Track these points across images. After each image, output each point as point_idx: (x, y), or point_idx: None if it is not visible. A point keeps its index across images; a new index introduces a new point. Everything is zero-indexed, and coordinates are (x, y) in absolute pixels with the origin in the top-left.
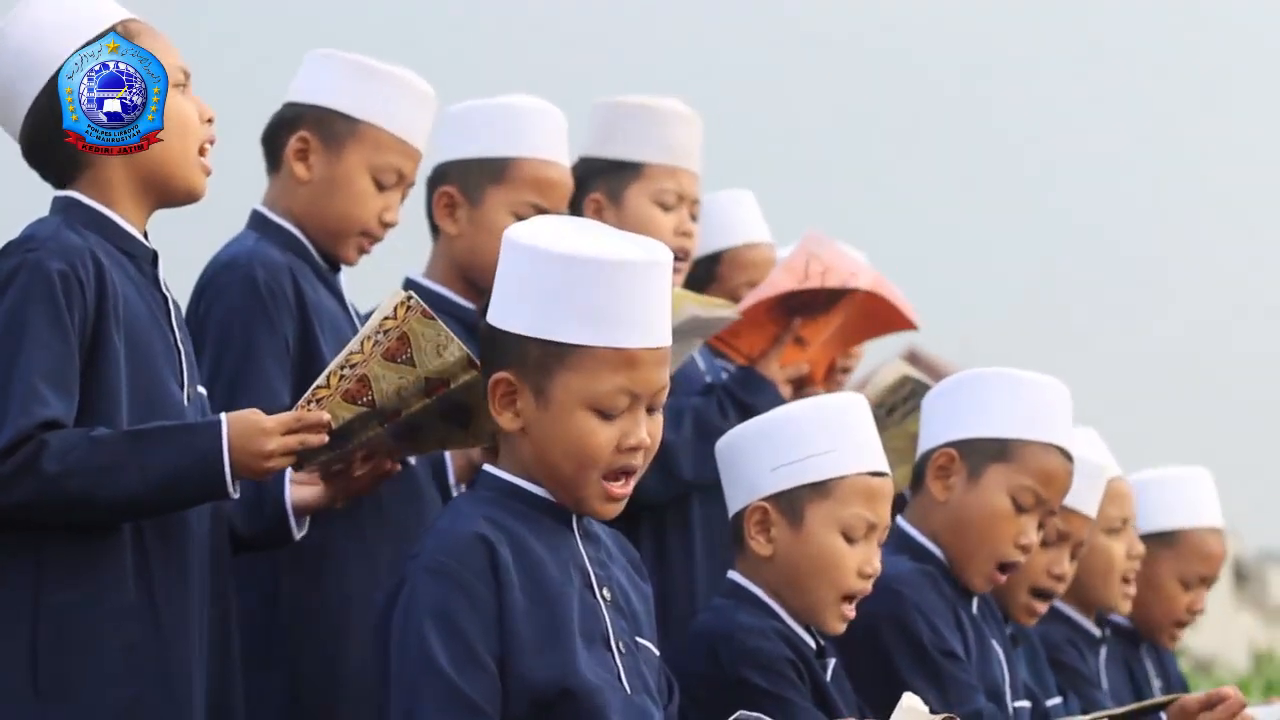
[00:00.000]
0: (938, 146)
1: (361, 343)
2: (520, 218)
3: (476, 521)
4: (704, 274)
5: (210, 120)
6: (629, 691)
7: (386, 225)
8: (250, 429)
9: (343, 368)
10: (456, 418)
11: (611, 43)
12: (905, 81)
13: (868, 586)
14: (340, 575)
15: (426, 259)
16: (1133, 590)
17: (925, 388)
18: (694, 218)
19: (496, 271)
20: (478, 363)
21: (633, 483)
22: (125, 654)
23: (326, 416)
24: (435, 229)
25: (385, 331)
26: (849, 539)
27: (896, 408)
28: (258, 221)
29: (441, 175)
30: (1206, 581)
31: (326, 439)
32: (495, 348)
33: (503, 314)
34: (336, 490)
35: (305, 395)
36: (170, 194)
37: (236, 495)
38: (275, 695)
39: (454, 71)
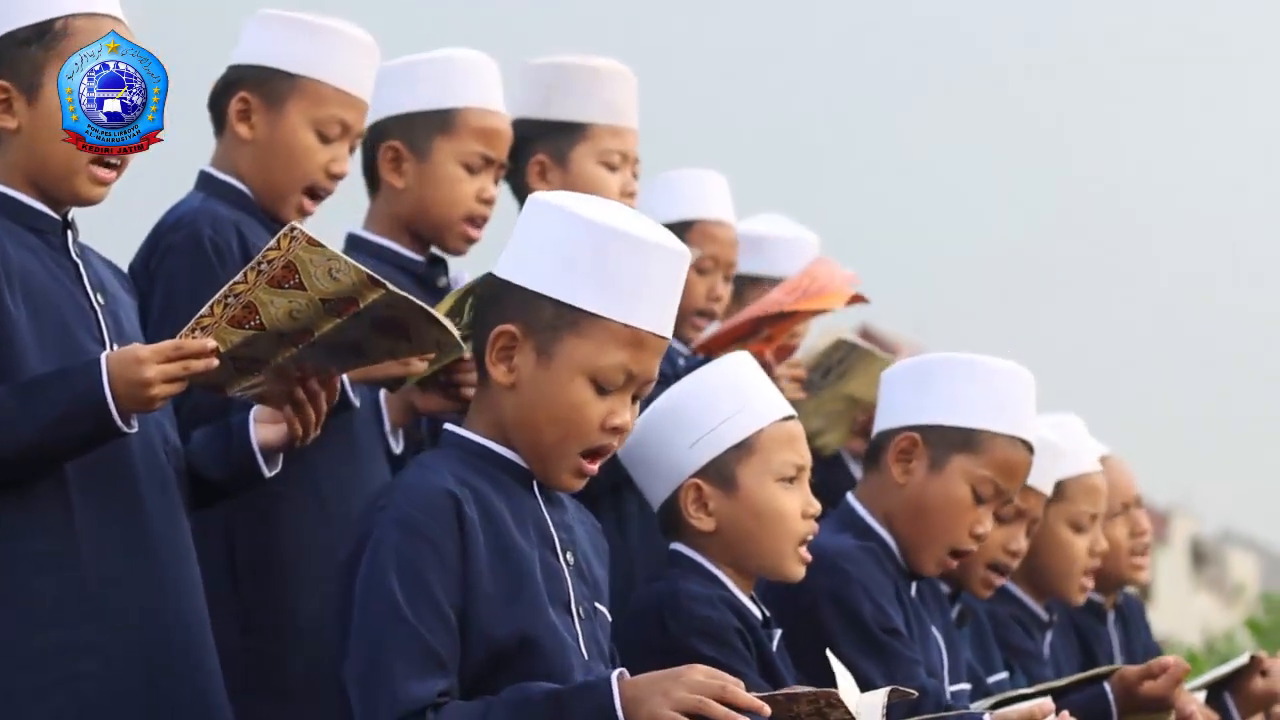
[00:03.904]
0: (940, 105)
1: (245, 274)
2: (469, 168)
3: (445, 478)
4: None
5: None
6: (585, 657)
7: (334, 177)
8: (127, 360)
9: (227, 296)
10: (395, 331)
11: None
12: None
13: (815, 526)
14: (293, 527)
15: (362, 213)
16: (1090, 584)
17: (857, 349)
18: (635, 176)
19: (515, 229)
20: (381, 280)
21: (599, 463)
22: (50, 601)
23: (211, 343)
24: (373, 183)
25: (270, 261)
26: (784, 485)
27: (831, 369)
28: (204, 181)
29: (382, 130)
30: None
31: (215, 363)
32: (502, 300)
33: (519, 269)
34: (297, 422)
35: (189, 324)
36: (55, 196)
37: (133, 429)
38: (227, 644)
39: (395, 27)
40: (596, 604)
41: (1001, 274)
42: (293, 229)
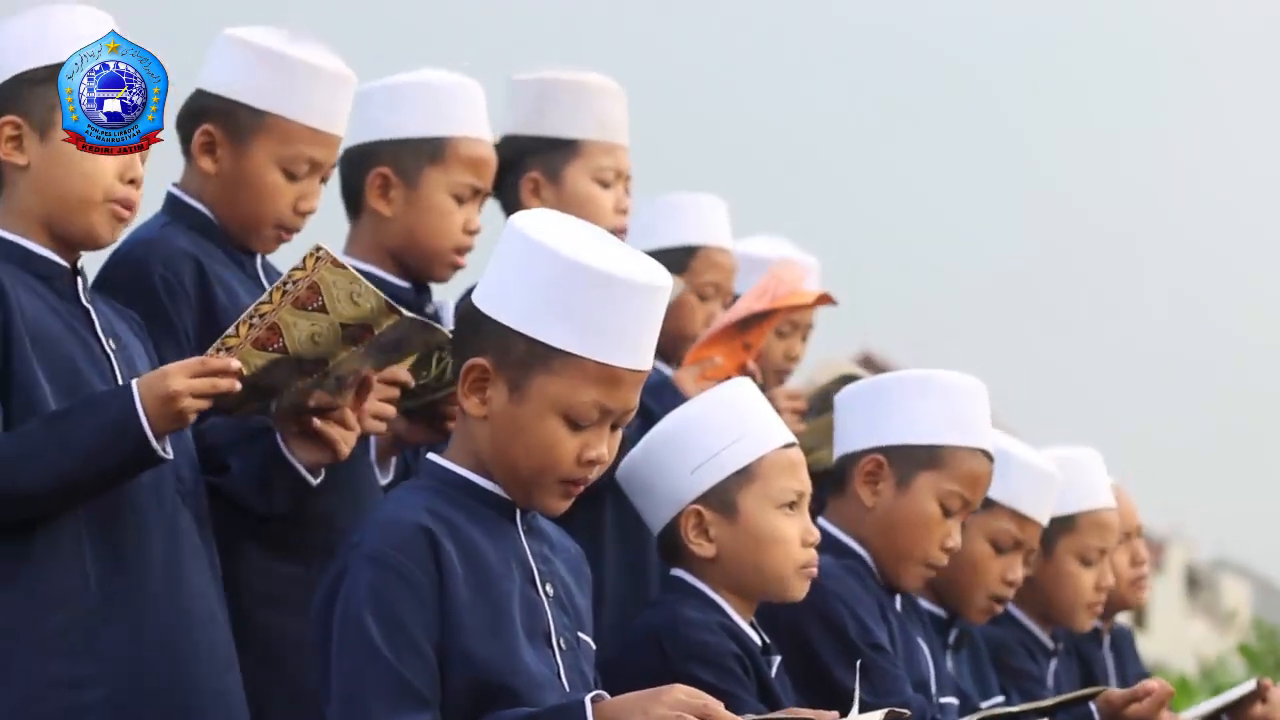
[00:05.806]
0: (925, 122)
1: (271, 293)
2: (458, 198)
3: (419, 512)
4: (675, 263)
5: (133, 181)
6: (568, 689)
7: (303, 214)
8: (156, 377)
9: (252, 317)
10: (394, 355)
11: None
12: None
13: (814, 555)
14: (267, 561)
15: (336, 234)
16: (1098, 611)
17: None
18: (628, 193)
19: (493, 256)
20: (397, 307)
21: (582, 489)
22: (57, 637)
23: (236, 364)
24: (354, 207)
25: (295, 281)
26: (785, 512)
27: (832, 400)
28: (170, 204)
29: (370, 155)
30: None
31: (238, 385)
32: (476, 331)
33: (493, 301)
34: (330, 444)
35: (215, 344)
36: (67, 236)
37: (169, 455)
38: None
39: (367, 40)
40: (580, 634)
41: (993, 300)
42: (319, 249)
